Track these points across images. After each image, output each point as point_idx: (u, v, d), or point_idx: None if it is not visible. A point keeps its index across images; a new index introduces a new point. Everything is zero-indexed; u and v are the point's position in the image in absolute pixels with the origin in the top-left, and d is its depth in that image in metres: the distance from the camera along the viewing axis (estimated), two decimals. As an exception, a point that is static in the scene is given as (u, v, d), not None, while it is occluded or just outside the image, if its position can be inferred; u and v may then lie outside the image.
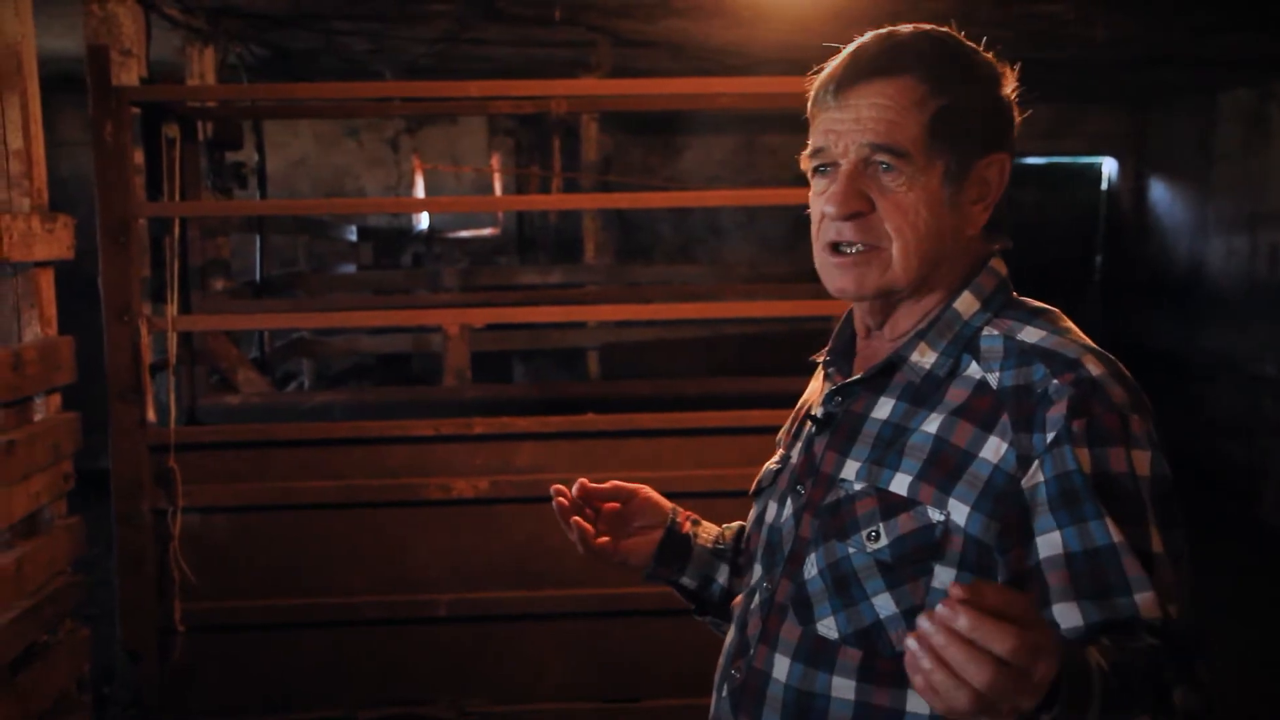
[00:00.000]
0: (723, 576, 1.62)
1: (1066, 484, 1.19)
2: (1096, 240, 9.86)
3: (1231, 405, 8.00)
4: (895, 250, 1.30)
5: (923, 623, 0.94)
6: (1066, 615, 1.16)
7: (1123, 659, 1.06)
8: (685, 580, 1.62)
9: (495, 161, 8.14)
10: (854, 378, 1.38)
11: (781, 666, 1.34)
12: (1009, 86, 1.35)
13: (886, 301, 1.35)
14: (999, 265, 1.38)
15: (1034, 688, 0.95)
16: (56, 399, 3.08)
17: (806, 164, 1.37)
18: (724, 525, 1.66)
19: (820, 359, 1.50)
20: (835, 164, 1.32)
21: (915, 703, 1.25)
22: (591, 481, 1.58)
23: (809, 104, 1.36)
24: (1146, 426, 1.23)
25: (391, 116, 8.12)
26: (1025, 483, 1.21)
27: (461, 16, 5.55)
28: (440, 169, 8.16)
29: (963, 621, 0.92)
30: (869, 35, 1.35)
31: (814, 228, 1.36)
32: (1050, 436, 1.20)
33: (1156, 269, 9.16)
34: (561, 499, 1.53)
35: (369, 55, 6.82)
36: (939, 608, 0.93)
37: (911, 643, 0.95)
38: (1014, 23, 5.54)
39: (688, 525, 1.61)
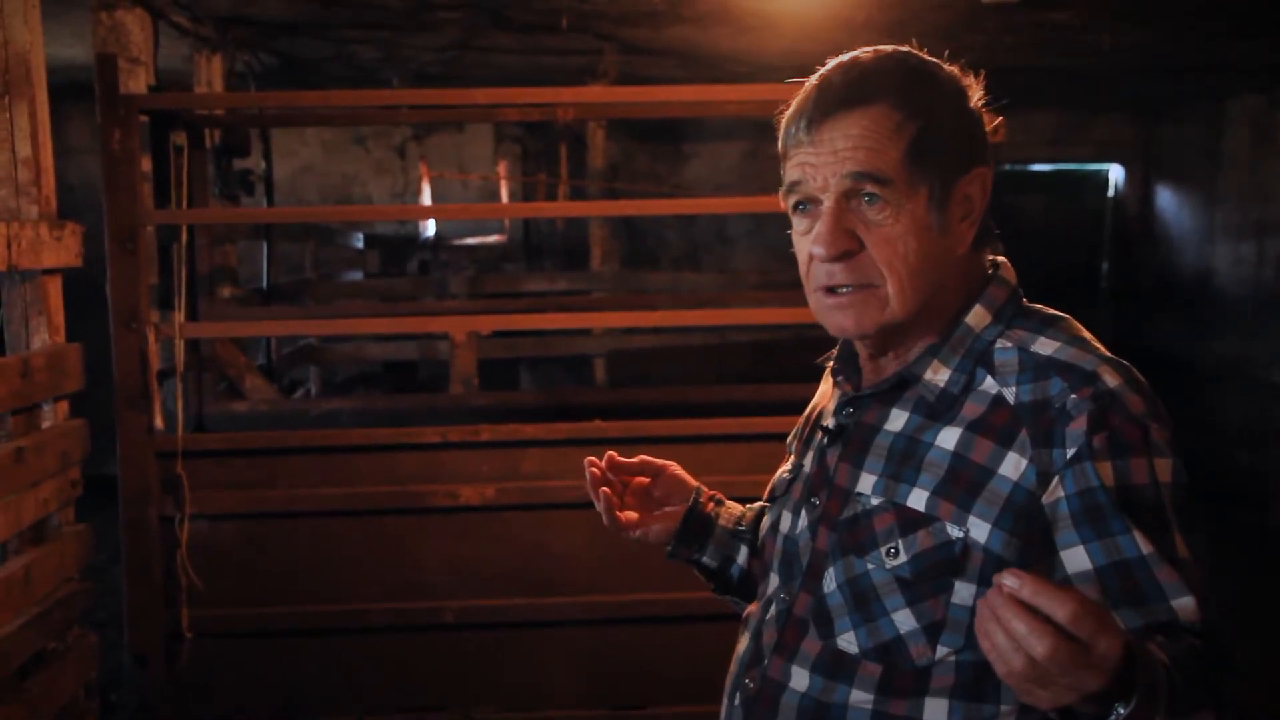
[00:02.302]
0: (742, 557, 1.62)
1: (1089, 500, 1.18)
2: (1103, 247, 9.84)
3: (1240, 412, 7.99)
4: (890, 287, 1.28)
5: (990, 595, 0.98)
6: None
7: (1177, 654, 1.08)
8: (706, 560, 1.63)
9: (502, 169, 8.15)
10: (865, 391, 1.37)
11: (799, 678, 1.34)
12: (976, 97, 1.34)
13: (887, 338, 1.34)
14: (1008, 274, 1.37)
15: (1097, 662, 0.97)
16: (64, 406, 3.09)
17: (785, 201, 1.34)
18: (746, 506, 1.67)
19: (828, 363, 1.50)
20: (815, 200, 1.29)
21: (932, 711, 1.26)
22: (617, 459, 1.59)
23: (779, 140, 1.34)
24: (1166, 434, 1.23)
25: (399, 124, 8.14)
26: (1046, 499, 1.21)
27: (470, 24, 5.56)
28: (447, 176, 8.17)
29: (1026, 589, 0.96)
30: (831, 65, 1.32)
31: (803, 270, 1.34)
32: (1071, 452, 1.20)
33: (1164, 276, 9.15)
34: (594, 469, 1.54)
35: (377, 63, 6.84)
36: (1005, 578, 0.97)
37: (983, 608, 0.99)
38: (1021, 31, 5.53)
39: (710, 505, 1.62)
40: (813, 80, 1.32)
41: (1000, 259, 1.39)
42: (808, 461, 1.45)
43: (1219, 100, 8.31)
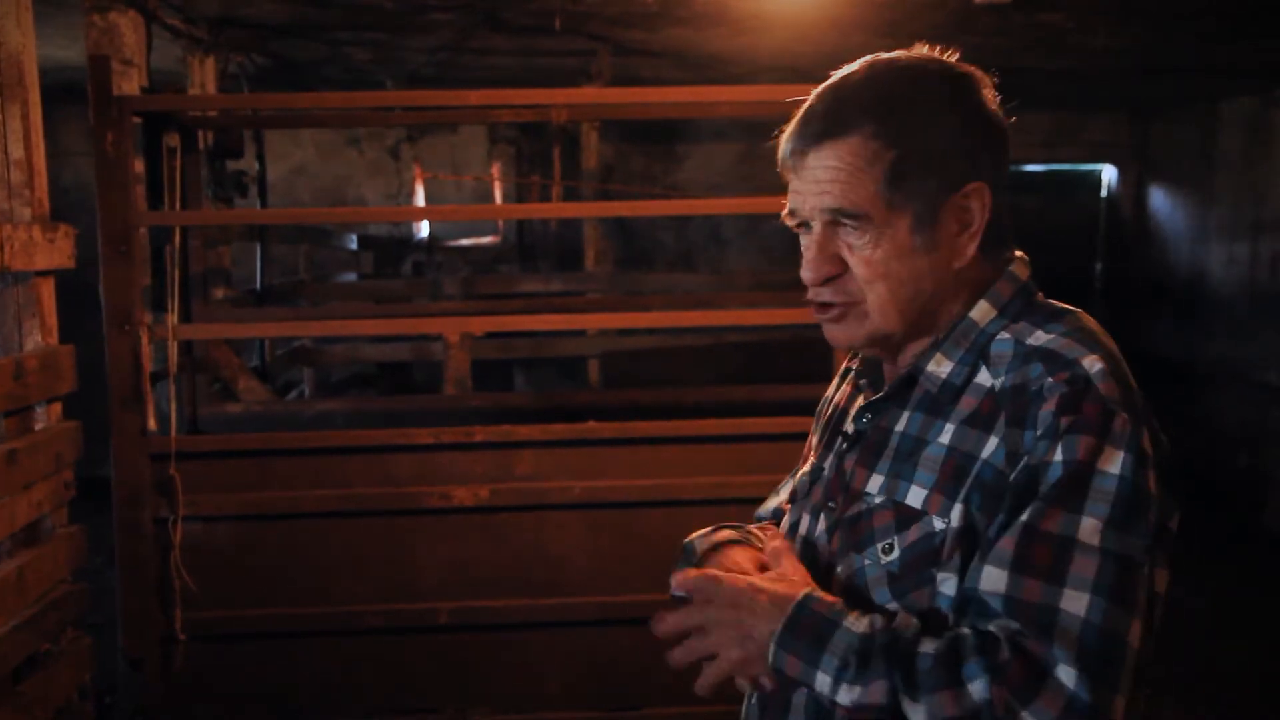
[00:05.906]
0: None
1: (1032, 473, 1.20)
2: (1097, 248, 9.86)
3: (1235, 413, 8.00)
4: (871, 303, 1.32)
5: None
6: (987, 578, 1.19)
7: (907, 633, 1.18)
8: None
9: (496, 170, 8.15)
10: (879, 395, 1.40)
11: None
12: (983, 103, 1.32)
13: (886, 345, 1.37)
14: (1020, 269, 1.38)
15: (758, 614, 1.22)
16: (58, 408, 3.08)
17: (788, 221, 1.38)
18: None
19: (853, 365, 1.52)
20: (807, 225, 1.34)
21: None
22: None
23: (778, 163, 1.37)
24: (1132, 428, 1.21)
25: (392, 125, 8.14)
26: (1012, 477, 1.22)
27: (464, 26, 5.56)
28: (441, 177, 8.17)
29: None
30: (818, 91, 1.34)
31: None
32: (1040, 432, 1.21)
33: (1158, 277, 9.16)
34: None
35: (371, 64, 6.84)
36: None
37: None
38: (1014, 32, 5.54)
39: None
40: (802, 107, 1.34)
41: (1017, 254, 1.39)
42: (828, 465, 1.46)
43: (1213, 101, 8.32)
